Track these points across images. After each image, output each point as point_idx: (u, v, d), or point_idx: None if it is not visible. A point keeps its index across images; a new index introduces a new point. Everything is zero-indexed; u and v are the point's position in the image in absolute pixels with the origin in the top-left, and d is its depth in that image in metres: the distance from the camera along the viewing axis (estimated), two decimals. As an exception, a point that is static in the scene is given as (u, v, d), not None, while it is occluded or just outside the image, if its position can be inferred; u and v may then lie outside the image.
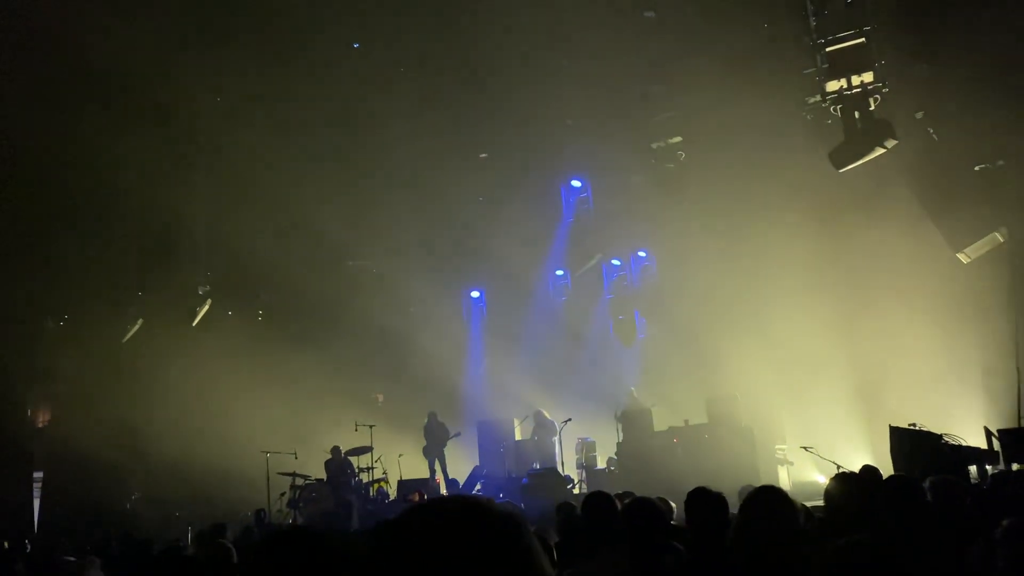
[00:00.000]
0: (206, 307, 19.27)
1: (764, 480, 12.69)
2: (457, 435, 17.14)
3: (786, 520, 3.22)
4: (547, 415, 16.84)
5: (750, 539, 3.18)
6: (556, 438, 16.23)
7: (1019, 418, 12.71)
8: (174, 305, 19.14)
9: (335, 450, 16.29)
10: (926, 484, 5.77)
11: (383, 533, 1.25)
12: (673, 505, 6.48)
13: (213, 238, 19.11)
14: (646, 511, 3.82)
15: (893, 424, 10.37)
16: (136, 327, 19.23)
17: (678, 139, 17.35)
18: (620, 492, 7.19)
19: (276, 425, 17.03)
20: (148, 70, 15.34)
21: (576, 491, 14.91)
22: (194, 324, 19.13)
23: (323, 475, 15.99)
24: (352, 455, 16.17)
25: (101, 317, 18.88)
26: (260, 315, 21.22)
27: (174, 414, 18.32)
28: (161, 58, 15.23)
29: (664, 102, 17.16)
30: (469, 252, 19.88)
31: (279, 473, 15.47)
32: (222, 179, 18.67)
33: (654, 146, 17.56)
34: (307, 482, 15.65)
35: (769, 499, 3.32)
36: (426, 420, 17.53)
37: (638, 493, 6.54)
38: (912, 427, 10.34)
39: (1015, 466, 9.06)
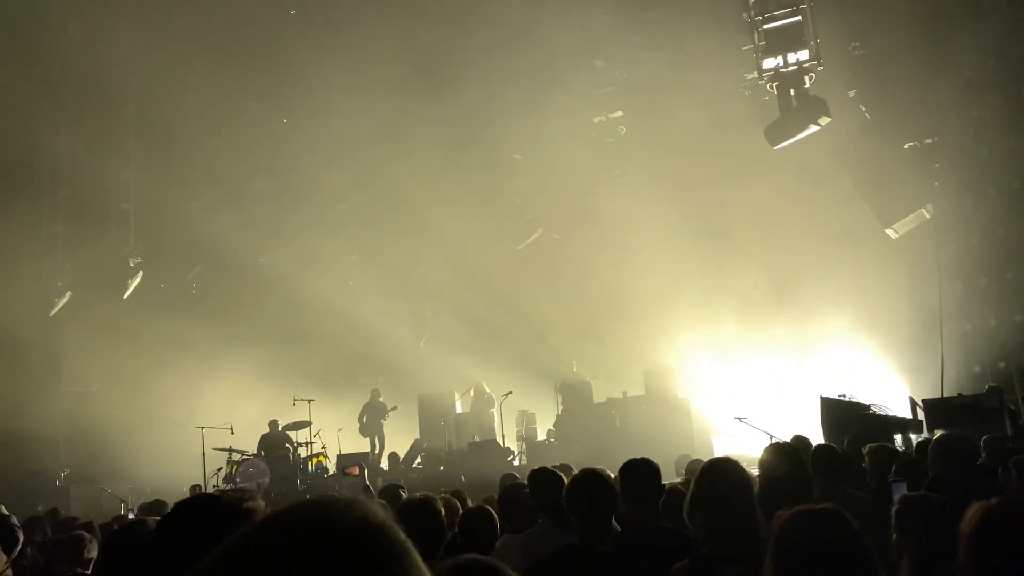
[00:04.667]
0: (138, 279, 18.75)
1: (699, 450, 12.98)
2: (394, 408, 17.05)
3: (741, 491, 3.27)
4: (487, 387, 16.87)
5: (707, 509, 3.21)
6: (495, 410, 16.28)
7: (942, 388, 13.18)
8: (104, 277, 18.57)
9: (273, 424, 16.09)
10: (865, 450, 5.98)
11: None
12: (611, 475, 6.54)
13: (144, 207, 18.57)
14: (596, 483, 3.86)
15: (824, 395, 10.66)
16: (64, 300, 18.62)
17: (619, 114, 17.37)
18: (558, 464, 7.24)
19: (211, 399, 16.70)
20: (73, 32, 14.77)
21: (516, 463, 15.02)
22: (125, 296, 18.61)
23: (259, 450, 15.80)
24: (290, 430, 15.99)
25: (26, 290, 18.24)
26: (194, 287, 20.73)
27: (105, 389, 17.85)
28: (86, 19, 14.65)
29: (605, 76, 17.17)
30: (409, 226, 19.70)
31: (215, 448, 15.22)
32: (152, 145, 18.14)
33: (595, 120, 17.57)
34: (244, 457, 15.44)
35: (725, 470, 3.36)
36: (368, 398, 17.40)
37: (577, 464, 6.60)
38: (842, 397, 10.66)
39: (938, 433, 9.38)
